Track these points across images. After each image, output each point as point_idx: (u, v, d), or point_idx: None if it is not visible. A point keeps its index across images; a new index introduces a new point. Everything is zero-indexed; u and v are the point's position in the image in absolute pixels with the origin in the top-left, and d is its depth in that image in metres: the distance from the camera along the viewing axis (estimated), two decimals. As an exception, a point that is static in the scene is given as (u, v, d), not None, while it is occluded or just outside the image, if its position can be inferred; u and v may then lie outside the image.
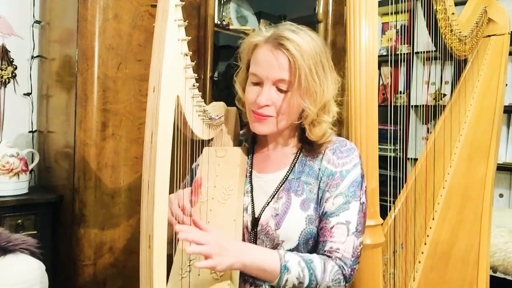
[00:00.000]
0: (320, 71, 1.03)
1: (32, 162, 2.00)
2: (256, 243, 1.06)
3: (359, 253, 1.04)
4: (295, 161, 1.11)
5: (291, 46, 1.00)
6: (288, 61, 1.00)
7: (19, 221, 1.81)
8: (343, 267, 1.00)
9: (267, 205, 1.07)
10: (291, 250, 1.03)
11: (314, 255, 1.02)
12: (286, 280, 0.96)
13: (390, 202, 1.57)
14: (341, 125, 1.89)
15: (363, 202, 1.06)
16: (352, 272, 1.02)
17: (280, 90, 1.03)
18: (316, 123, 1.06)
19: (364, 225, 1.07)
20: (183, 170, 1.01)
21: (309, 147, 1.11)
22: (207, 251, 0.88)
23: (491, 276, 1.79)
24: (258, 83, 1.05)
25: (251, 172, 1.14)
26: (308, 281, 0.97)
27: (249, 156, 1.18)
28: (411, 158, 2.76)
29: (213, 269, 0.91)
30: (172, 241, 0.94)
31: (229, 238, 1.01)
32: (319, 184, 1.07)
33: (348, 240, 1.01)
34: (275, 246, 1.04)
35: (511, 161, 2.70)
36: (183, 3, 0.82)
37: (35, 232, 1.83)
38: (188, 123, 0.95)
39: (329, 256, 1.01)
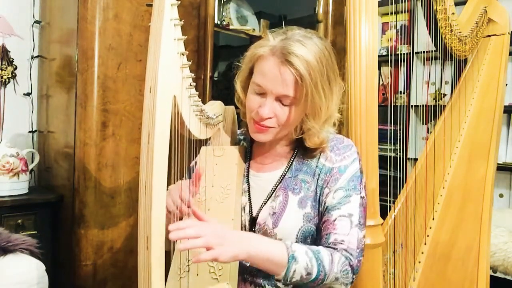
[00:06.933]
0: (326, 86, 1.00)
1: (32, 162, 2.00)
2: None
3: (363, 246, 1.02)
4: (292, 159, 1.11)
5: (299, 63, 0.95)
6: (295, 79, 0.97)
7: (19, 221, 1.81)
8: (349, 258, 0.97)
9: (265, 204, 1.07)
10: None
11: (320, 246, 0.99)
12: (294, 271, 0.91)
13: (390, 202, 1.57)
14: (341, 125, 1.88)
15: (363, 197, 1.05)
16: (358, 264, 0.99)
17: (283, 104, 1.01)
18: (317, 132, 1.06)
19: (365, 220, 1.06)
20: (181, 170, 1.00)
21: (305, 150, 1.10)
22: (204, 242, 0.83)
23: (491, 276, 1.79)
24: (261, 94, 1.02)
25: (248, 172, 1.14)
26: (317, 272, 0.93)
27: (247, 156, 1.18)
28: (411, 158, 2.76)
29: (216, 260, 0.84)
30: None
31: (230, 228, 0.98)
32: (317, 181, 1.06)
33: (352, 232, 0.99)
34: None
35: (511, 161, 2.69)
36: (179, 2, 0.82)
37: (35, 232, 1.83)
38: (185, 122, 0.94)
39: (334, 248, 0.99)
